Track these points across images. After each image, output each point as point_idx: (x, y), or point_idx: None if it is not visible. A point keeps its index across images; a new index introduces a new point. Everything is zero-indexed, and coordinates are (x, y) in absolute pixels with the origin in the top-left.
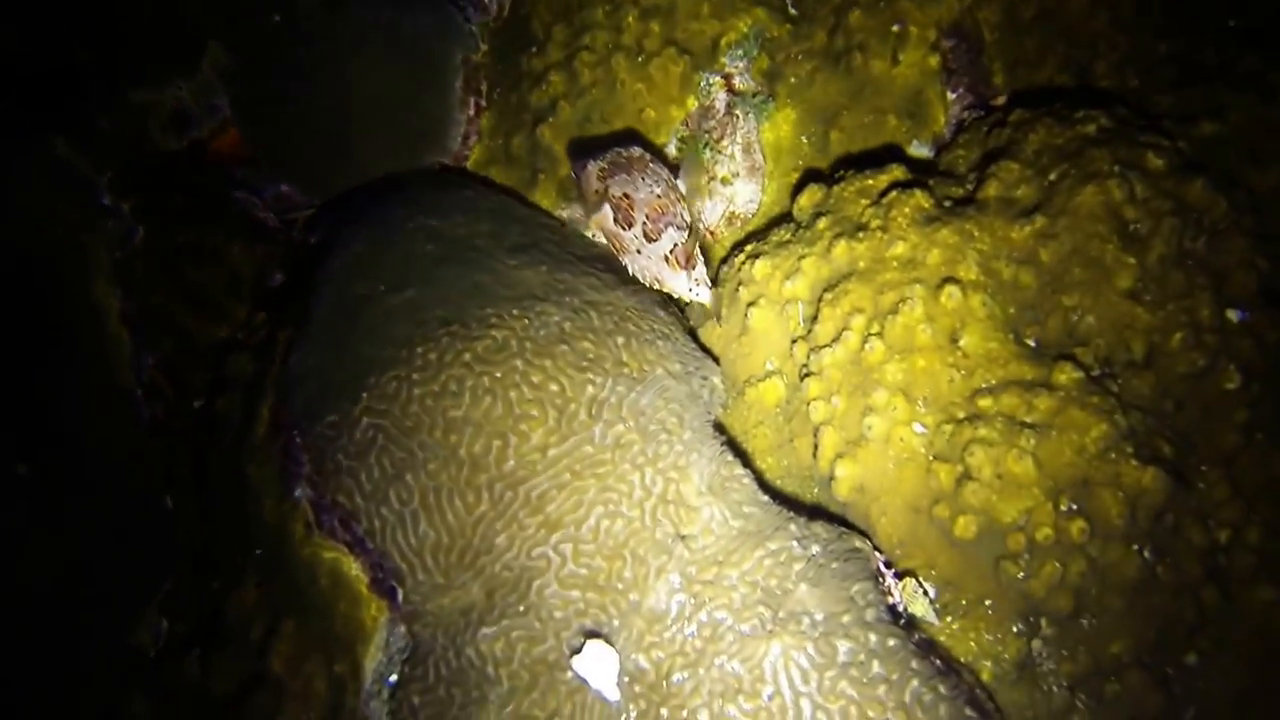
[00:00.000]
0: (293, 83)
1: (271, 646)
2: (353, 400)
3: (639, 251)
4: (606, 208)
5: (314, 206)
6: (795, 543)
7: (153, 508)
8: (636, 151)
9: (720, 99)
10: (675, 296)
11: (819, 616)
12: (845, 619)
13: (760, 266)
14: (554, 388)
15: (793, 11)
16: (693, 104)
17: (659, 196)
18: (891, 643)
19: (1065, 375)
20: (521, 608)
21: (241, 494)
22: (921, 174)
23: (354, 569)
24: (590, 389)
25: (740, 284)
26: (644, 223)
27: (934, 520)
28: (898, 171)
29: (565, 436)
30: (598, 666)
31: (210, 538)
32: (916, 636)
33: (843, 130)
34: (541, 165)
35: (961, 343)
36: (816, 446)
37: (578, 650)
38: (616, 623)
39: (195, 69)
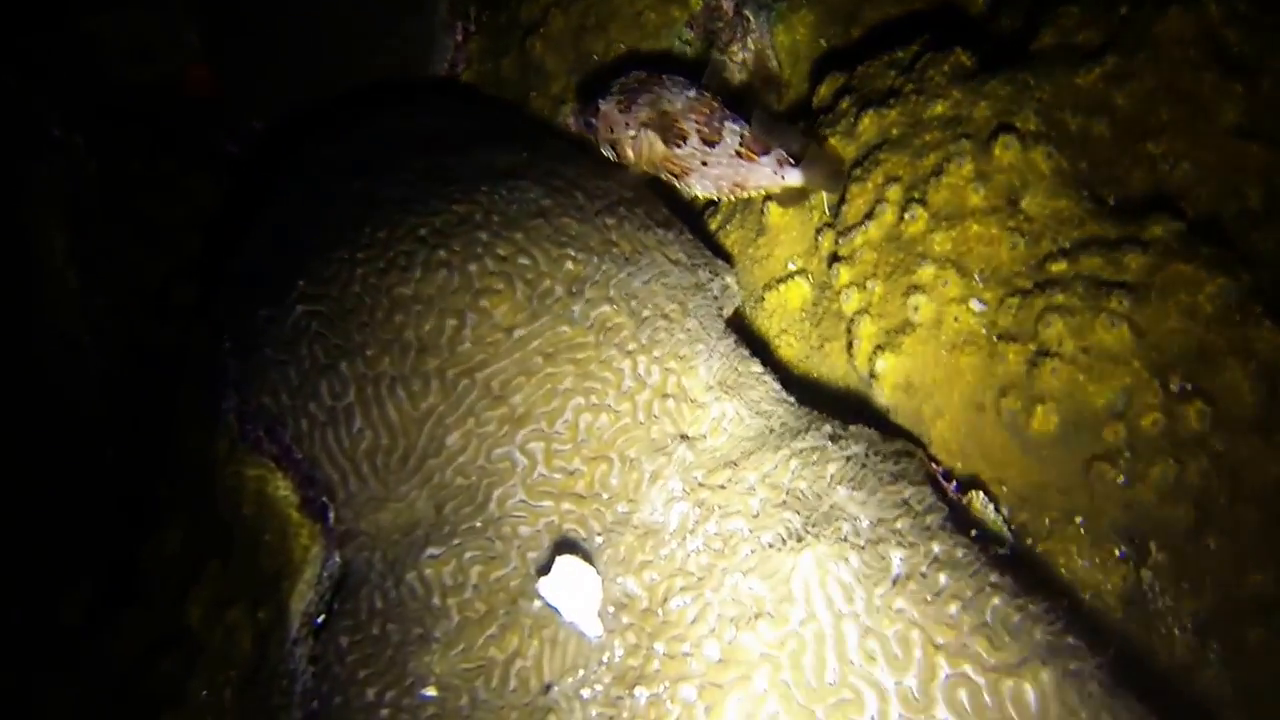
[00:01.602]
0: (266, 13)
1: (189, 596)
2: (289, 289)
3: (705, 164)
4: (649, 134)
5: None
6: (830, 442)
7: (91, 466)
8: (641, 74)
9: None
10: (764, 191)
11: (864, 522)
12: (899, 524)
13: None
14: (524, 261)
15: None
16: (697, 3)
17: (696, 99)
18: (961, 553)
19: (1162, 228)
20: (478, 523)
21: (173, 422)
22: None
23: (281, 488)
24: (570, 264)
25: None
26: (698, 129)
27: (1003, 416)
28: (916, 46)
29: (536, 315)
30: (572, 590)
31: (145, 480)
32: (993, 551)
33: (865, 26)
34: (534, 83)
35: (1023, 203)
36: (851, 343)
37: (545, 570)
38: (600, 539)
39: (164, 3)
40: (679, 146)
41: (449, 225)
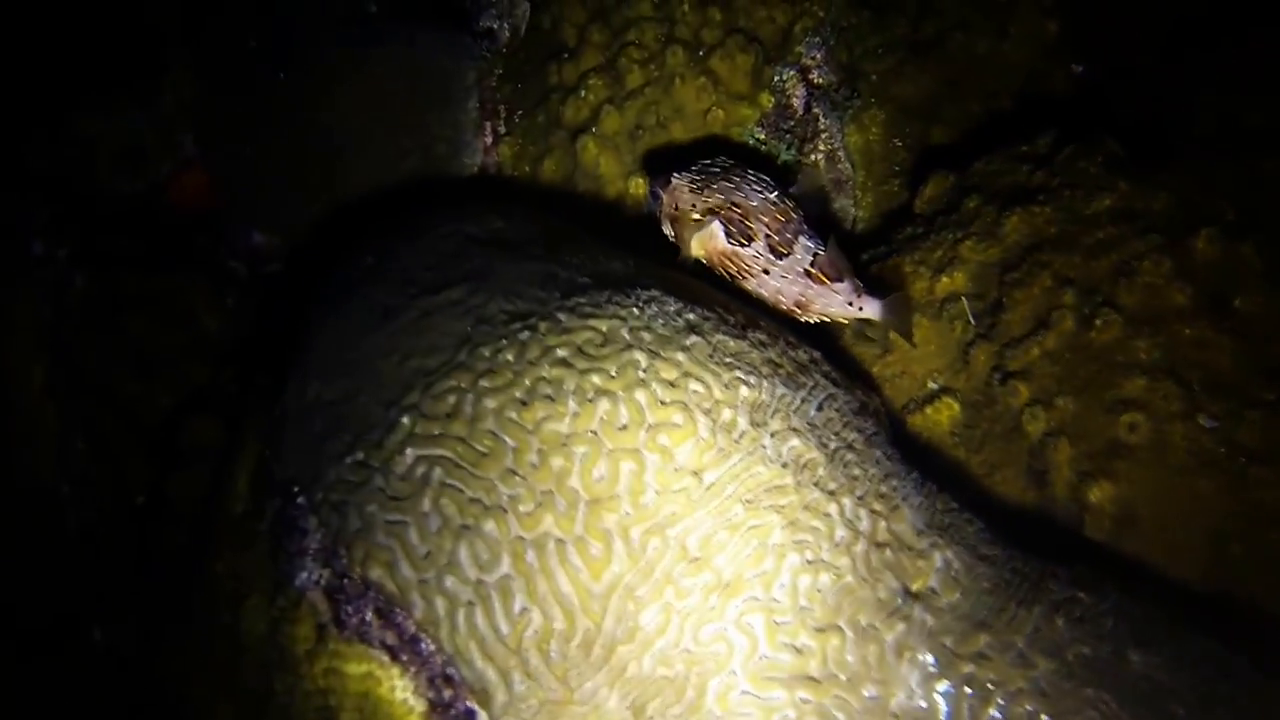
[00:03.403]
0: (272, 115)
1: None
2: (387, 428)
3: (766, 272)
4: (714, 223)
5: (294, 252)
6: (1080, 591)
7: (75, 649)
8: (726, 161)
9: (799, 95)
10: (830, 319)
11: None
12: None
13: (891, 269)
14: (696, 388)
15: None
16: (767, 101)
17: (775, 203)
18: None
19: None
20: None
21: (210, 602)
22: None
23: (400, 689)
24: (745, 390)
25: None
26: (767, 235)
27: (1265, 550)
28: (1046, 139)
29: (726, 454)
30: None
31: (163, 677)
32: None
33: (947, 124)
34: (584, 188)
35: (1235, 303)
36: (1045, 470)
37: None
38: None
39: (156, 99)
40: (742, 246)
41: (593, 345)
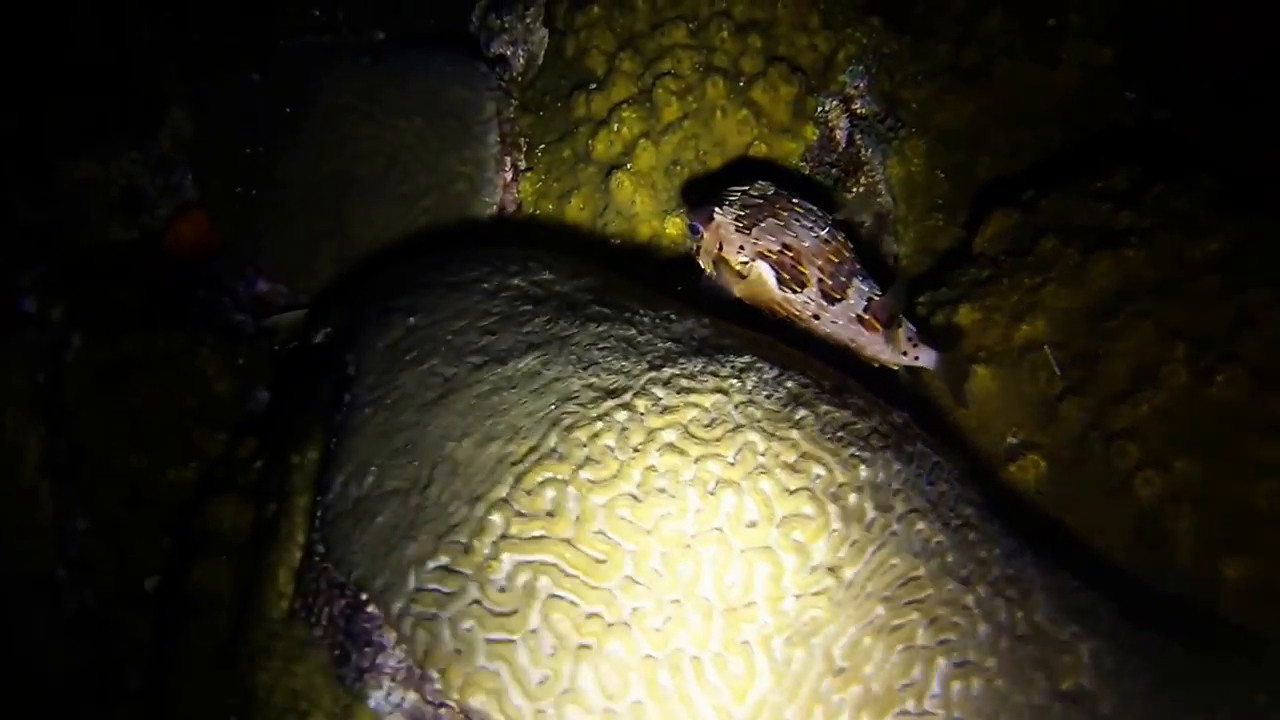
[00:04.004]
0: (277, 153)
1: None
2: (475, 529)
3: (817, 318)
4: (765, 268)
5: (305, 305)
6: (1263, 694)
7: None
8: (769, 188)
9: (842, 127)
10: (878, 366)
11: None
12: None
13: (964, 314)
14: (819, 471)
15: None
16: (811, 134)
17: (827, 241)
18: None
19: None
20: None
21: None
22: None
23: None
24: (864, 470)
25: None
26: (820, 279)
27: None
28: (1123, 174)
29: (861, 547)
30: None
31: None
32: None
33: (994, 155)
34: (616, 228)
35: None
36: (1163, 537)
37: None
38: None
39: (151, 139)
40: (794, 292)
41: (700, 425)
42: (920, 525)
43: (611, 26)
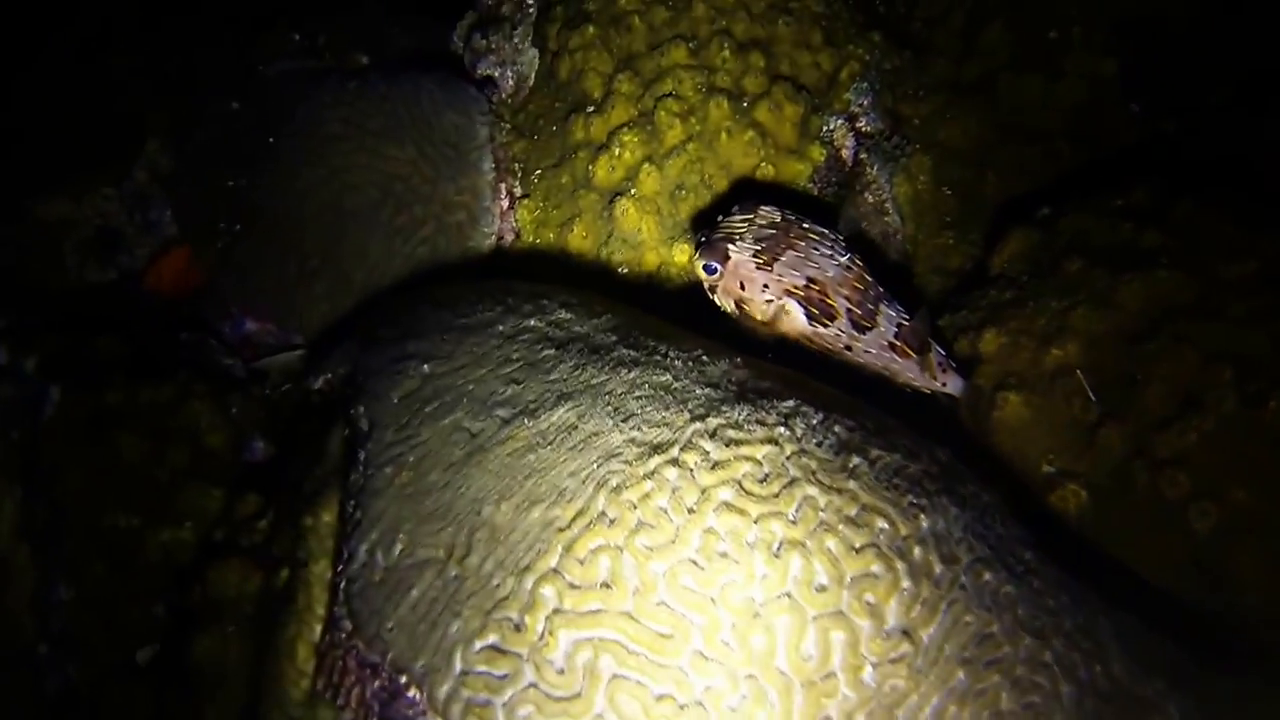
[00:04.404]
0: (263, 185)
1: None
2: (525, 604)
3: (849, 349)
4: (794, 307)
5: (299, 346)
6: None
7: None
8: (775, 214)
9: (849, 146)
10: (912, 391)
11: None
12: None
13: (988, 341)
14: (882, 524)
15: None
16: (819, 155)
17: (847, 268)
18: None
19: None
20: None
21: None
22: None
23: None
24: (925, 519)
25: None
26: (849, 309)
27: None
28: (1143, 191)
29: (933, 604)
30: None
31: None
32: None
33: (1001, 170)
34: (622, 257)
35: None
36: (1229, 571)
37: None
38: None
39: (126, 174)
40: (824, 326)
41: (753, 480)
42: (987, 576)
43: (608, 47)
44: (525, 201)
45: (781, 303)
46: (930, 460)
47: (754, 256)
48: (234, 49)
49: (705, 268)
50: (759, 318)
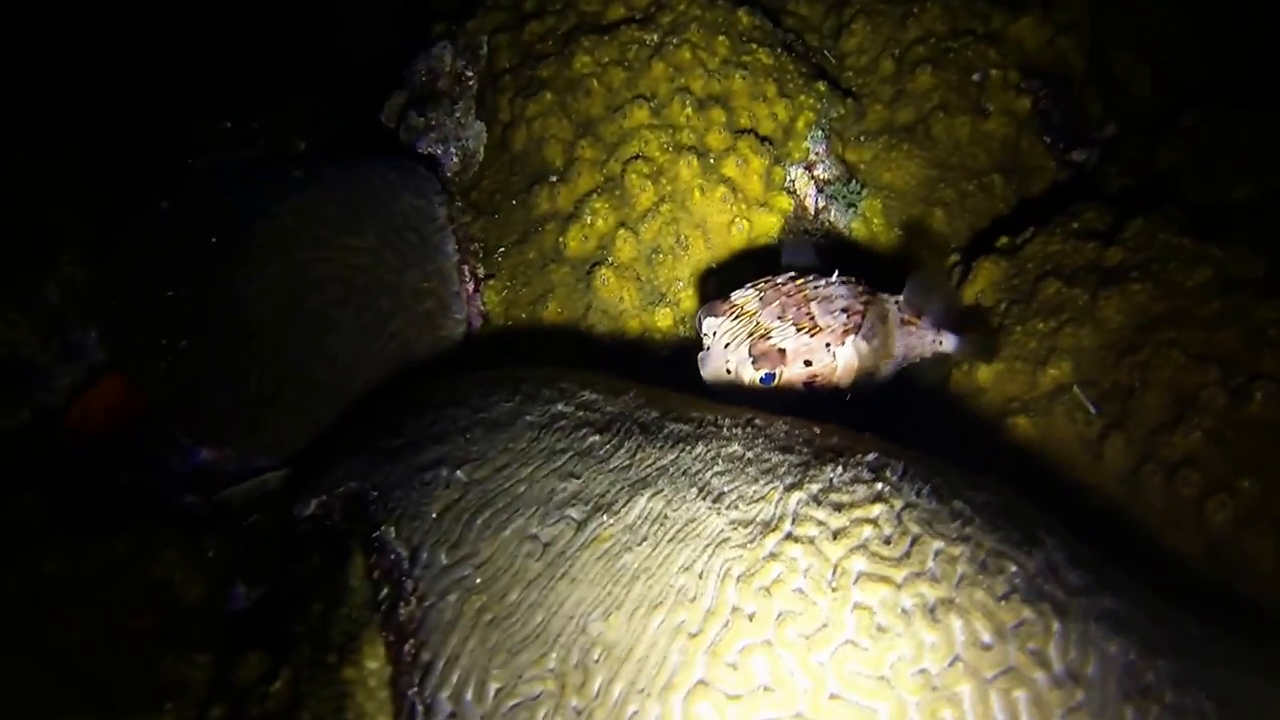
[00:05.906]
0: (205, 291)
1: None
2: None
3: (891, 356)
4: (852, 341)
5: (270, 469)
6: None
7: None
8: (785, 283)
9: (810, 194)
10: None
11: None
12: None
13: (984, 371)
14: (1012, 568)
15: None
16: (786, 204)
17: (847, 283)
18: None
19: None
20: None
21: None
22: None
23: None
24: (1036, 554)
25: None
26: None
27: None
28: (1093, 213)
29: (1083, 644)
30: None
31: None
32: None
33: (947, 207)
34: (603, 328)
35: None
36: (1247, 559)
37: None
38: None
39: (36, 292)
40: (873, 340)
41: (881, 543)
42: (1107, 601)
43: (567, 113)
44: (491, 282)
45: (844, 345)
46: (992, 492)
47: (798, 333)
48: (159, 140)
49: (764, 378)
50: (837, 378)
